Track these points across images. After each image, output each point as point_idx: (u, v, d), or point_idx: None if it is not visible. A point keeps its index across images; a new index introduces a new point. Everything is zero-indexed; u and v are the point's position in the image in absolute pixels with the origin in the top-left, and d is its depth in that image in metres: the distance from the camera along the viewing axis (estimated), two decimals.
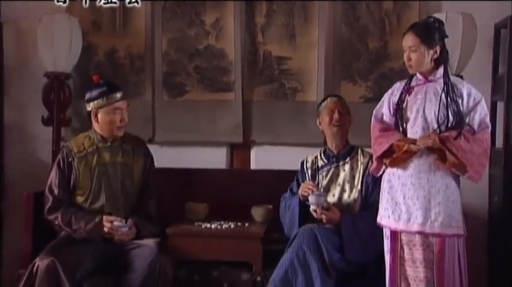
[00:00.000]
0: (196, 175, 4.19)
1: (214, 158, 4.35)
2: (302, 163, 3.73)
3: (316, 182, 3.59)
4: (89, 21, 4.37)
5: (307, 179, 3.63)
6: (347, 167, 3.59)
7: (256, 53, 4.32)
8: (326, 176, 3.60)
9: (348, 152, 3.63)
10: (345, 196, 3.55)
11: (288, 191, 3.71)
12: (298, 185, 3.63)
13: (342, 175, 3.58)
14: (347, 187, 3.55)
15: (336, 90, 4.26)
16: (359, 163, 3.58)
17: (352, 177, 3.56)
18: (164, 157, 4.22)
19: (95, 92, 3.60)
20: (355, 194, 3.53)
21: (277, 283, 3.26)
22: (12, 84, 4.48)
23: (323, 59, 4.26)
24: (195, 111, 4.34)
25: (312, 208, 3.41)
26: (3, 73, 4.45)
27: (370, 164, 3.48)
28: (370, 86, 4.24)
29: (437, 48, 3.15)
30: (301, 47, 4.29)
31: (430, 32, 3.16)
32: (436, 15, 3.92)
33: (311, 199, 3.40)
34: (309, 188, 3.47)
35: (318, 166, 3.65)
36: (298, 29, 4.29)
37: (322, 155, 3.68)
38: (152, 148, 4.05)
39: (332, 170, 3.61)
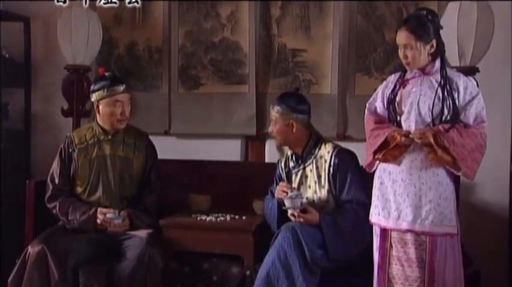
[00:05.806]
0: (209, 166, 4.18)
1: (229, 150, 4.35)
2: (278, 163, 3.60)
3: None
4: (110, 15, 4.45)
5: (284, 179, 3.50)
6: (313, 167, 3.42)
7: (271, 45, 4.29)
8: (296, 179, 3.47)
9: (311, 150, 3.45)
10: (316, 197, 3.41)
11: (269, 193, 3.57)
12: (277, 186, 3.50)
13: (309, 175, 3.44)
14: (317, 188, 3.41)
15: (350, 82, 4.19)
16: (323, 161, 3.41)
17: (319, 177, 3.41)
18: (180, 149, 4.30)
19: (98, 84, 3.63)
20: (324, 194, 3.39)
21: (260, 285, 3.20)
22: (39, 76, 4.66)
23: (338, 50, 4.16)
24: (210, 103, 4.36)
25: (289, 212, 3.29)
26: (31, 66, 4.63)
27: (333, 158, 3.39)
28: (386, 79, 4.10)
29: (433, 42, 3.02)
30: (316, 38, 4.22)
31: (424, 27, 3.02)
32: (451, 4, 3.78)
33: (286, 203, 3.27)
34: (283, 191, 3.33)
35: (289, 167, 3.52)
36: (313, 21, 4.22)
37: (291, 156, 3.53)
38: (168, 140, 4.11)
39: (300, 172, 3.47)
